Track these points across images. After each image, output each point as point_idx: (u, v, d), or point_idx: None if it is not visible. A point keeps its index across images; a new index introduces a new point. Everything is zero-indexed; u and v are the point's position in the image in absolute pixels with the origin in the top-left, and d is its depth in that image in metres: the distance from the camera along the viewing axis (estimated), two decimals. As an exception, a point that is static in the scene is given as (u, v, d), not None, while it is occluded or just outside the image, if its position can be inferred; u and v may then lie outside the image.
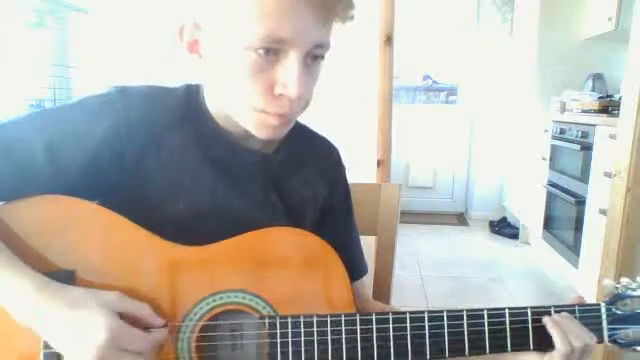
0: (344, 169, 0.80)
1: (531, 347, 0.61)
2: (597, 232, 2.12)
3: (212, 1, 0.56)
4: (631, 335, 0.62)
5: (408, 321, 0.60)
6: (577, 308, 0.62)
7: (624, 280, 0.63)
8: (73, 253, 0.59)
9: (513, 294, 2.53)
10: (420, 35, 4.00)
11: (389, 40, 1.65)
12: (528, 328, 0.61)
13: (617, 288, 0.63)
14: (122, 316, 0.54)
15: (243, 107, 0.60)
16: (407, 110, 4.08)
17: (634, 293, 0.62)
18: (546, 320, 0.61)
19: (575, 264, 2.45)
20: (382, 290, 0.95)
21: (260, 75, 0.56)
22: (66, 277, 0.57)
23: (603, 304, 0.62)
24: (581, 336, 0.59)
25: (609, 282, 0.64)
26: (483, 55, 3.86)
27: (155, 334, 0.56)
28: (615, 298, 0.62)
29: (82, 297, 0.54)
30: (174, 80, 0.70)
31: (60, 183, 0.60)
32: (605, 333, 0.62)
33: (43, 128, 0.61)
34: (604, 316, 0.62)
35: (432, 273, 2.80)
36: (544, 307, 0.62)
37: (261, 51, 0.55)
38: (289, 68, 0.56)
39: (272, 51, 0.55)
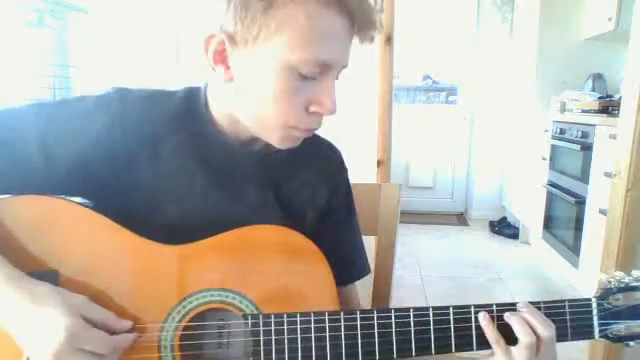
0: (346, 171, 0.80)
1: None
2: (597, 232, 2.12)
3: (257, 20, 0.54)
4: (623, 330, 0.61)
5: (393, 318, 0.60)
6: (567, 303, 0.61)
7: (618, 274, 0.62)
8: (57, 254, 0.60)
9: (513, 294, 2.53)
10: (420, 35, 3.99)
11: (389, 40, 1.66)
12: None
13: (610, 282, 0.62)
14: (87, 320, 0.54)
15: (273, 123, 0.60)
16: (407, 110, 4.07)
17: (627, 287, 0.61)
18: (507, 314, 0.60)
19: (575, 264, 2.45)
20: (382, 290, 0.95)
21: (297, 95, 0.58)
22: (49, 277, 0.58)
23: (594, 299, 0.61)
24: (544, 326, 0.58)
25: (604, 276, 0.62)
26: (483, 55, 3.86)
27: (117, 337, 0.56)
28: (607, 292, 0.61)
29: (48, 294, 0.54)
30: (174, 80, 0.70)
31: (50, 176, 0.61)
32: (596, 329, 0.61)
33: (38, 120, 0.61)
34: (595, 311, 0.61)
35: (432, 273, 2.80)
36: (509, 304, 0.61)
37: (304, 74, 0.56)
38: (327, 88, 0.59)
39: (313, 73, 0.57)
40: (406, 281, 2.67)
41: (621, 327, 0.61)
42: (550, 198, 2.86)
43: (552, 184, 2.81)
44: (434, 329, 0.60)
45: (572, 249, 2.51)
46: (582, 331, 0.61)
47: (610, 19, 2.73)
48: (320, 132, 0.78)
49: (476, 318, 0.60)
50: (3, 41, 1.77)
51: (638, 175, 1.44)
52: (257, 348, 0.59)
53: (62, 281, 0.59)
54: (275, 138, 0.63)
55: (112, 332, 0.56)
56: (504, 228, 3.60)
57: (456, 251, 3.26)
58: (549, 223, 2.90)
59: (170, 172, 0.65)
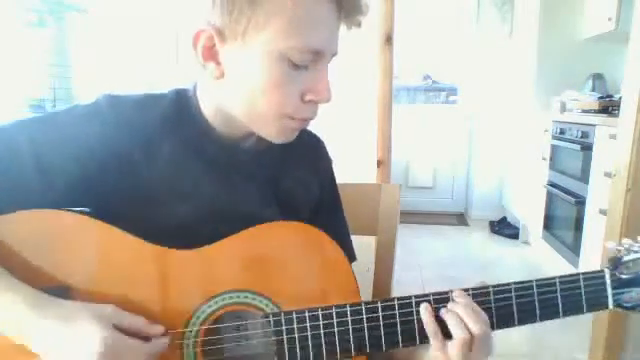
0: (331, 161, 0.80)
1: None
2: (597, 232, 2.12)
3: (245, 13, 0.54)
4: (635, 297, 0.61)
5: (414, 305, 0.60)
6: (581, 277, 0.61)
7: (626, 242, 0.62)
8: (66, 267, 0.58)
9: (513, 294, 2.53)
10: (420, 35, 4.00)
11: (389, 40, 1.65)
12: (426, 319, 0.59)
13: (619, 251, 0.62)
14: (119, 329, 0.54)
15: (269, 115, 0.60)
16: (407, 110, 4.07)
17: (636, 255, 0.61)
18: (442, 310, 0.59)
19: (575, 264, 2.45)
20: (382, 290, 0.94)
21: (291, 84, 0.58)
22: (60, 293, 0.56)
23: (607, 270, 0.61)
24: (476, 322, 0.57)
25: (612, 244, 0.62)
26: (483, 55, 3.86)
27: (152, 343, 0.56)
28: (618, 262, 0.61)
29: (76, 311, 0.53)
30: (174, 80, 0.70)
31: (47, 191, 0.60)
32: (610, 299, 0.61)
33: (31, 135, 0.60)
34: (609, 282, 0.61)
35: (432, 273, 2.80)
36: (445, 293, 0.61)
37: (296, 62, 0.56)
38: (321, 75, 0.59)
39: (305, 61, 0.57)
40: (406, 281, 2.67)
41: (633, 294, 0.61)
42: (550, 198, 2.86)
43: (552, 184, 2.81)
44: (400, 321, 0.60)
45: (572, 249, 2.51)
46: (597, 302, 0.61)
47: (610, 19, 2.72)
48: (320, 132, 0.79)
49: (417, 311, 0.59)
50: (3, 41, 1.77)
51: (638, 175, 1.44)
52: (281, 347, 0.58)
53: (73, 295, 0.57)
54: (272, 132, 0.62)
55: (147, 337, 0.56)
56: (504, 228, 3.59)
57: (456, 251, 3.25)
58: (549, 223, 2.90)
59: (167, 176, 0.64)
